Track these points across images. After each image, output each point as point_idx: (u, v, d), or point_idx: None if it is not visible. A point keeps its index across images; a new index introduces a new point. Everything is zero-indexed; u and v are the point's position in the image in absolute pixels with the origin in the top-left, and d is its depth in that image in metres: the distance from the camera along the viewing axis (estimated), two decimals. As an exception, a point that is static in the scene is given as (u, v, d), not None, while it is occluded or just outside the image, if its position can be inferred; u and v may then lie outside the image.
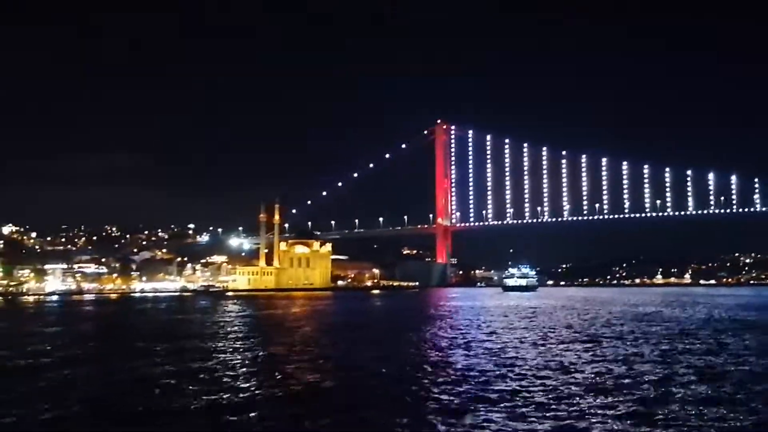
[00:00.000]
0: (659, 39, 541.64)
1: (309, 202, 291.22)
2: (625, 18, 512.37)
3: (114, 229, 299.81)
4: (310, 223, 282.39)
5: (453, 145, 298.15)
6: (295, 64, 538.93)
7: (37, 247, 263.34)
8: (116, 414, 20.79)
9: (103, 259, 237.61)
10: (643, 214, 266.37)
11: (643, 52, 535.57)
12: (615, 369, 28.52)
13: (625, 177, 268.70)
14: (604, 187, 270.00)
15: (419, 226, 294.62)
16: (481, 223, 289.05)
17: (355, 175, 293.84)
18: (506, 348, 37.80)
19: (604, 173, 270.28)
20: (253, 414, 20.44)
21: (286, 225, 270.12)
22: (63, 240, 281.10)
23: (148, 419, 19.95)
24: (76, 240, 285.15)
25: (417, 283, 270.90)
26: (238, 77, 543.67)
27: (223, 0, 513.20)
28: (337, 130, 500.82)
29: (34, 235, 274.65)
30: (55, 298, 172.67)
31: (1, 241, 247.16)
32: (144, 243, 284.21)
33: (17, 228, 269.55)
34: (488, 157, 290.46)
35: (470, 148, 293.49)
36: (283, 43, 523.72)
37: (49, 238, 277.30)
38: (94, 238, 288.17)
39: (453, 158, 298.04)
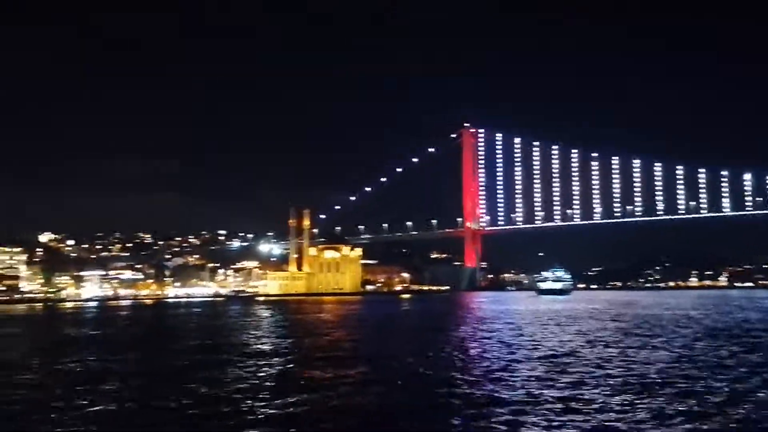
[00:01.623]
0: (659, 39, 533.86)
1: (338, 207, 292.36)
2: (625, 18, 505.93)
3: (148, 236, 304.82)
4: (339, 227, 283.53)
5: (481, 148, 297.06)
6: (295, 64, 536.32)
7: (74, 254, 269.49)
8: (149, 413, 21.86)
9: (138, 266, 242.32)
10: (675, 216, 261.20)
11: (643, 52, 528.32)
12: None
13: (657, 178, 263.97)
14: (636, 189, 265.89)
15: (448, 230, 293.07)
16: (510, 227, 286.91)
17: (383, 179, 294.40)
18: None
19: (636, 174, 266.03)
20: (279, 416, 21.05)
21: (315, 230, 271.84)
22: (99, 247, 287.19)
23: (185, 418, 20.77)
24: (110, 247, 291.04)
25: (447, 287, 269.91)
26: (238, 77, 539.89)
27: (223, 0, 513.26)
28: (337, 130, 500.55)
29: (70, 242, 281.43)
30: (93, 304, 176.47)
31: (41, 249, 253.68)
32: (177, 249, 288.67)
33: (55, 236, 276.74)
34: (516, 160, 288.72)
35: (498, 151, 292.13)
36: (283, 43, 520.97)
37: (85, 246, 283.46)
38: (129, 244, 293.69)
39: (481, 161, 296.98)
